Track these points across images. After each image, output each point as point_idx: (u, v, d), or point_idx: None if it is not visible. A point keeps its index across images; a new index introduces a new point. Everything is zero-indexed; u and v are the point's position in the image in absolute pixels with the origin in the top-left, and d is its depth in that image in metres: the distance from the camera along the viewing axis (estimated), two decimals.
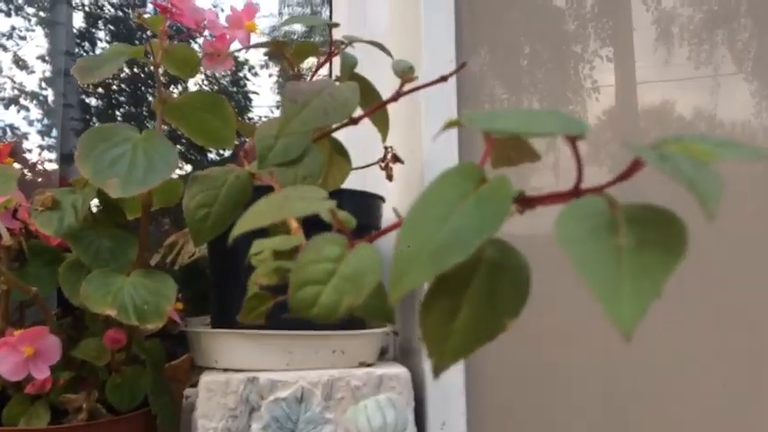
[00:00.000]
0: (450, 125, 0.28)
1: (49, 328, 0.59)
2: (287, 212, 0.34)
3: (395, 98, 0.48)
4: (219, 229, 0.53)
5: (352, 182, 0.67)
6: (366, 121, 0.60)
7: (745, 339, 0.86)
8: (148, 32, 1.18)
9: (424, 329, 0.29)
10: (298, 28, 0.51)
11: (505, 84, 0.92)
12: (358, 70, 0.58)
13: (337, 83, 0.50)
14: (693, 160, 0.23)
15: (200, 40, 0.70)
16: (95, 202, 0.68)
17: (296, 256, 0.39)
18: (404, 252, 0.26)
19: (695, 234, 0.24)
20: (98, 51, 1.25)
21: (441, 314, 0.29)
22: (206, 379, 0.62)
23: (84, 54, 1.26)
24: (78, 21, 1.25)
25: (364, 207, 0.67)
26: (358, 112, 0.51)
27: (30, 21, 1.26)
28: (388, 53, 0.55)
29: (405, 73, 0.45)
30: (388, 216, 0.73)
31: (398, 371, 0.66)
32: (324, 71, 0.71)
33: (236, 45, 0.66)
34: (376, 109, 0.49)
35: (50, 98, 1.26)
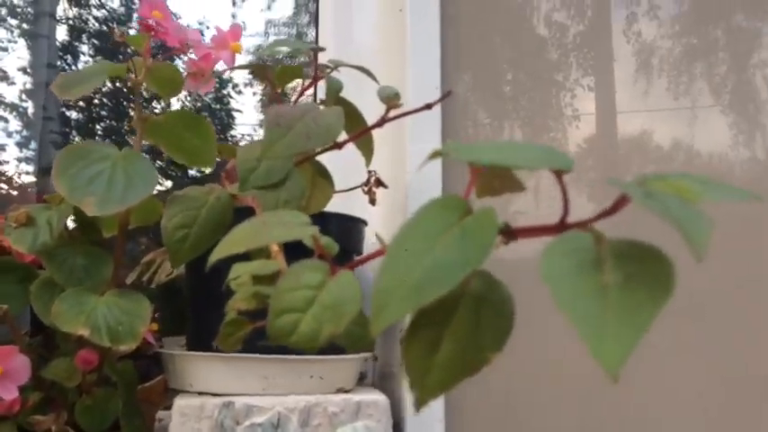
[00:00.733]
0: (434, 155, 0.28)
1: (19, 347, 0.57)
2: (266, 239, 0.33)
3: (380, 124, 0.48)
4: (198, 250, 0.53)
5: (335, 205, 0.67)
6: (350, 145, 0.59)
7: (734, 371, 0.86)
8: (131, 48, 1.18)
9: (405, 361, 0.28)
10: (284, 48, 0.51)
11: (488, 109, 0.92)
12: (344, 93, 0.58)
13: (322, 107, 0.50)
14: (680, 199, 0.22)
15: (184, 58, 0.70)
16: (72, 218, 0.67)
17: (276, 281, 0.38)
18: (385, 284, 0.26)
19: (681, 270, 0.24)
20: (81, 65, 1.24)
21: (423, 346, 0.28)
22: (180, 403, 0.61)
23: (67, 67, 1.25)
24: (62, 34, 1.25)
25: (347, 231, 0.66)
26: (343, 135, 0.50)
27: (12, 32, 1.25)
28: (374, 78, 0.55)
29: (390, 99, 0.45)
30: (370, 240, 0.72)
31: (377, 397, 0.65)
32: (309, 92, 0.71)
33: (220, 65, 0.66)
34: (360, 134, 0.49)
35: (30, 110, 1.25)
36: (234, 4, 1.30)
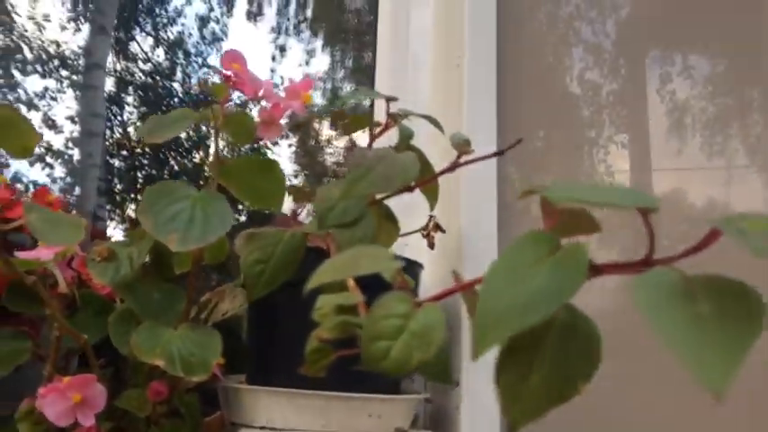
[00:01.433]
0: (526, 194, 0.30)
1: (96, 376, 0.60)
2: (361, 269, 0.36)
3: (451, 169, 0.51)
4: (273, 284, 0.55)
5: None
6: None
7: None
8: (176, 99, 1.23)
9: (498, 388, 0.30)
10: (360, 96, 0.55)
11: (518, 165, 0.93)
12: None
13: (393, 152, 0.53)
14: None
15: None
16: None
17: (357, 312, 0.41)
18: (486, 309, 0.28)
19: None
20: (126, 115, 1.29)
21: (514, 374, 0.30)
22: None
23: (113, 117, 1.31)
24: (109, 85, 1.31)
25: (407, 273, 0.69)
26: None
27: (62, 83, 1.31)
28: (440, 127, 0.58)
29: (461, 146, 0.48)
30: (425, 282, 0.74)
31: None
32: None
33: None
34: (432, 179, 0.52)
35: (76, 157, 1.29)
36: (273, 59, 1.36)
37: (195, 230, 0.58)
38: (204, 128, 1.22)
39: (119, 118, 1.34)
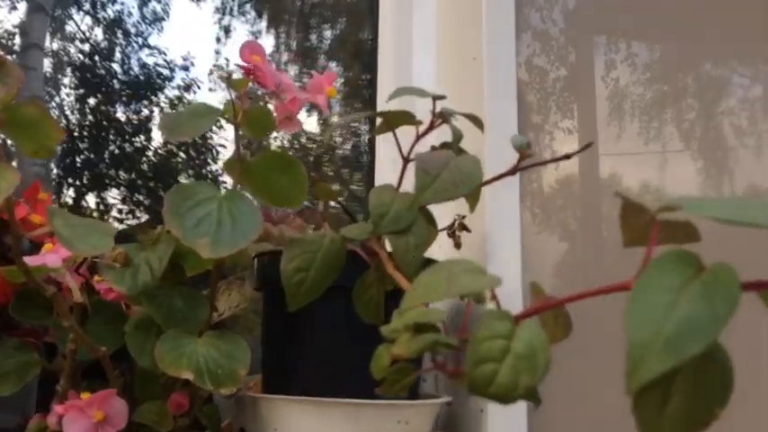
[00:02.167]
0: (663, 209, 0.29)
1: (116, 390, 0.56)
2: (455, 290, 0.33)
3: (512, 172, 0.49)
4: (314, 293, 0.52)
5: None
6: None
7: None
8: (114, 81, 1.19)
9: (637, 416, 0.28)
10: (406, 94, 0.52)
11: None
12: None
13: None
14: None
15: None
16: None
17: (436, 330, 0.39)
18: (637, 338, 0.26)
19: None
20: (63, 96, 1.24)
21: (653, 401, 0.28)
22: None
23: (49, 98, 1.25)
24: (45, 65, 1.25)
25: None
26: None
27: None
28: (481, 127, 0.56)
29: (522, 149, 0.46)
30: None
31: None
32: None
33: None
34: (490, 181, 0.50)
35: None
36: (218, 40, 1.32)
37: (225, 235, 0.55)
38: (146, 110, 1.18)
39: (56, 100, 1.28)
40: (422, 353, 0.38)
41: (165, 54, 1.25)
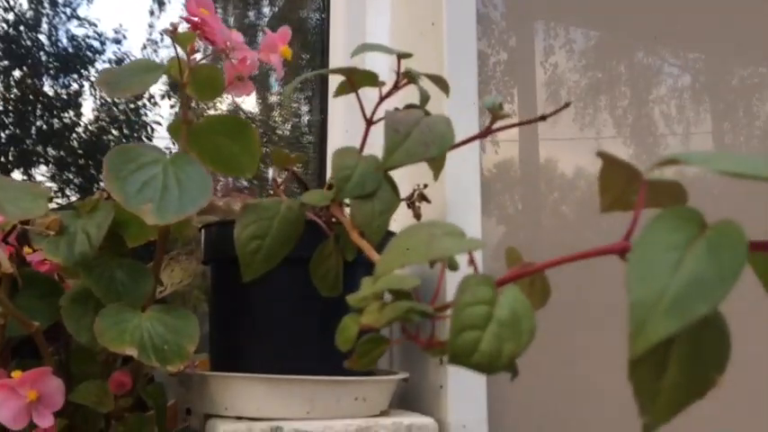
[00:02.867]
0: (667, 162, 0.27)
1: (51, 368, 0.52)
2: (437, 251, 0.31)
3: (484, 135, 0.47)
4: (271, 263, 0.49)
5: None
6: None
7: None
8: (41, 53, 1.13)
9: (634, 386, 0.26)
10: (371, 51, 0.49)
11: None
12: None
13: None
14: None
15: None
16: None
17: (411, 298, 0.36)
18: (640, 297, 0.24)
19: None
20: None
21: (650, 370, 0.26)
22: (224, 428, 0.56)
23: None
24: None
25: None
26: None
27: None
28: (447, 90, 0.53)
29: (495, 110, 0.44)
30: None
31: (426, 421, 0.62)
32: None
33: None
34: (461, 144, 0.47)
35: None
36: (152, 13, 1.26)
37: (172, 200, 0.51)
38: (76, 84, 1.12)
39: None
40: (394, 322, 0.35)
41: (95, 26, 1.18)
